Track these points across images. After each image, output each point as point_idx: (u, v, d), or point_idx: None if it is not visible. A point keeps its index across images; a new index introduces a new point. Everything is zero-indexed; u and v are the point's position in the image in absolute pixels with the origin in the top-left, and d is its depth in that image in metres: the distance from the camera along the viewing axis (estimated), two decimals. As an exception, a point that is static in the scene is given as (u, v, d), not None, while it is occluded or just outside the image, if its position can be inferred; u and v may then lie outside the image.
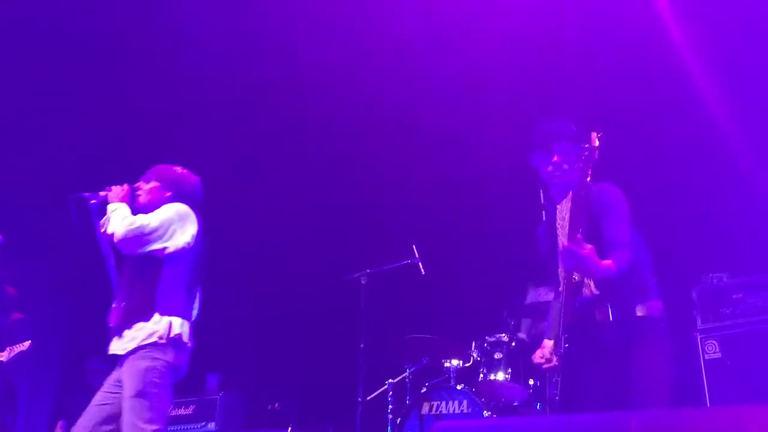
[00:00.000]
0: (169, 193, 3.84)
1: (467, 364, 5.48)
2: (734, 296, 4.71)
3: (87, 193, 3.81)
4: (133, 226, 3.58)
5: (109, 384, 3.59)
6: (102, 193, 3.78)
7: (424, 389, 5.43)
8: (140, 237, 3.59)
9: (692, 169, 5.79)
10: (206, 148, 6.27)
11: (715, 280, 4.84)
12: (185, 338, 3.59)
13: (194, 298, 3.80)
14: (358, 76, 6.43)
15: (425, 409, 5.31)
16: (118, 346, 3.55)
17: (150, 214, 3.68)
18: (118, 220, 3.62)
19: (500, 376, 5.13)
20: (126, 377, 3.48)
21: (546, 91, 6.02)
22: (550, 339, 3.49)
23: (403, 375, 5.68)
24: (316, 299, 7.05)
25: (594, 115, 5.86)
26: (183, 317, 3.61)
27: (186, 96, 6.60)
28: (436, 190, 6.79)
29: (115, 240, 3.60)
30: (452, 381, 5.41)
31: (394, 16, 6.15)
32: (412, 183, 6.80)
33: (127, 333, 3.53)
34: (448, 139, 6.66)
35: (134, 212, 3.72)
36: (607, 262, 3.10)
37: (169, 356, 3.51)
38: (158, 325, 3.51)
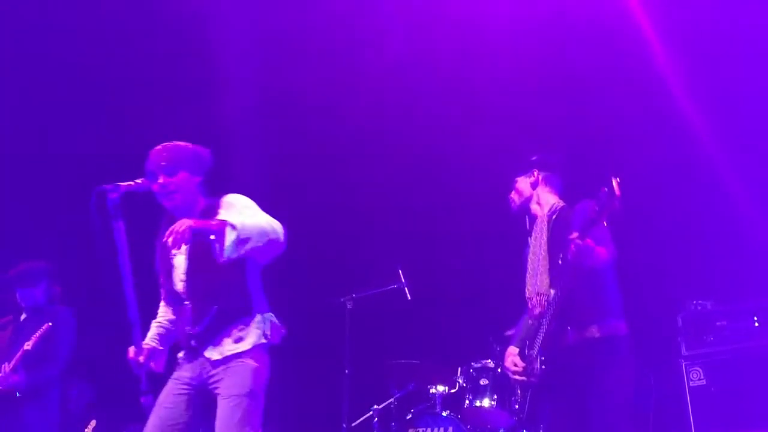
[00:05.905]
0: (198, 179, 3.27)
1: (453, 390, 5.46)
2: (718, 323, 4.74)
3: (108, 186, 3.11)
4: (266, 237, 3.05)
5: (173, 393, 3.18)
6: (124, 184, 3.12)
7: (410, 415, 5.40)
8: (268, 242, 3.09)
9: (678, 197, 5.83)
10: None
11: (699, 307, 4.87)
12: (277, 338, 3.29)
13: None
14: (340, 101, 6.43)
15: (410, 435, 5.28)
16: (215, 352, 3.16)
17: (249, 212, 3.12)
18: (252, 232, 3.00)
19: (486, 402, 5.10)
20: (232, 376, 3.13)
21: (532, 118, 6.06)
22: (516, 347, 3.62)
23: (389, 401, 5.65)
24: (301, 323, 6.96)
25: (581, 141, 5.93)
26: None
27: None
28: (423, 214, 6.79)
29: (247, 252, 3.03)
30: (438, 407, 5.39)
31: (377, 47, 6.18)
32: (398, 207, 6.80)
33: (226, 338, 3.16)
34: (436, 164, 6.67)
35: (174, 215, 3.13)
36: (600, 248, 3.25)
37: (267, 359, 3.26)
38: (263, 325, 3.22)
